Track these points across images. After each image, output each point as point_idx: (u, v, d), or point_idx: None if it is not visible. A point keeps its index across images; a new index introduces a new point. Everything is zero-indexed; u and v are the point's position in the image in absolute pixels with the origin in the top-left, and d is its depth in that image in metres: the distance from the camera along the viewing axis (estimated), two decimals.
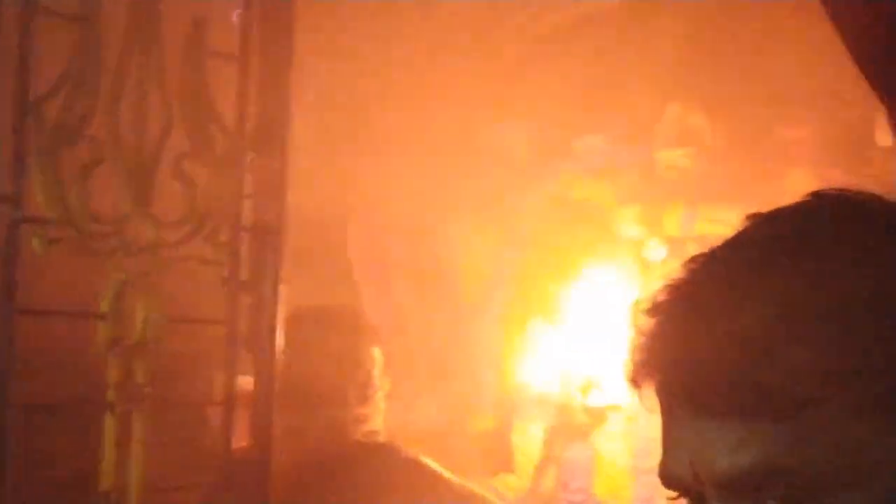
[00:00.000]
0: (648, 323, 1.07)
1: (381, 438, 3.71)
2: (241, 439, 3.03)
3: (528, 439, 4.17)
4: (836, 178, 3.79)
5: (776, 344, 1.00)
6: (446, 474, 3.76)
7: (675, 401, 1.06)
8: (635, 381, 1.09)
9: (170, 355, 2.63)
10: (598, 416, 3.93)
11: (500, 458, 4.13)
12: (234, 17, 2.83)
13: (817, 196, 1.11)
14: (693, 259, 1.09)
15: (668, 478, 1.09)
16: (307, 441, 3.66)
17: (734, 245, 1.08)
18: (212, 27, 2.66)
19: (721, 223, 4.11)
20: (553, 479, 3.85)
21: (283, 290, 2.85)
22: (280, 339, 3.48)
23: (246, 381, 3.86)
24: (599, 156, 4.20)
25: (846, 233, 1.06)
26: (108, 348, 2.56)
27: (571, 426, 3.91)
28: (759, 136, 4.17)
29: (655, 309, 1.07)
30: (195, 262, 2.66)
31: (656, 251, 4.12)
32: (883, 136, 2.42)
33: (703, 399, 1.03)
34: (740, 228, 1.09)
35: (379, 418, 3.79)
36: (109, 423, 2.56)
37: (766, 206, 1.05)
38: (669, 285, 1.07)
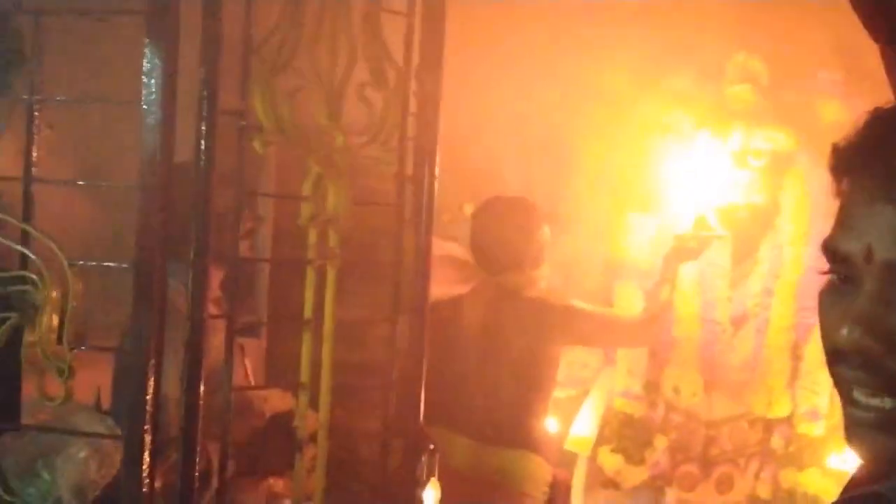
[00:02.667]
0: (857, 130, 0.98)
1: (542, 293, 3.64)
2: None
3: (624, 293, 4.01)
4: (859, 107, 3.50)
5: None
6: (591, 308, 3.70)
7: (876, 189, 0.91)
8: (836, 169, 0.98)
9: (354, 227, 2.55)
10: (705, 242, 3.75)
11: (605, 305, 4.00)
12: None
13: None
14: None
15: (835, 251, 0.94)
16: (489, 293, 3.59)
17: None
18: None
19: (772, 141, 3.87)
20: (668, 293, 3.72)
21: (436, 182, 2.74)
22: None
23: (450, 247, 3.76)
24: (682, 91, 3.97)
25: None
26: (309, 221, 2.50)
27: (685, 249, 3.75)
28: (801, 77, 3.90)
29: (868, 121, 0.98)
30: (373, 160, 2.58)
31: (723, 160, 3.92)
32: None
33: None
34: None
35: (544, 281, 3.69)
36: (310, 273, 2.52)
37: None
38: (872, 114, 0.99)
